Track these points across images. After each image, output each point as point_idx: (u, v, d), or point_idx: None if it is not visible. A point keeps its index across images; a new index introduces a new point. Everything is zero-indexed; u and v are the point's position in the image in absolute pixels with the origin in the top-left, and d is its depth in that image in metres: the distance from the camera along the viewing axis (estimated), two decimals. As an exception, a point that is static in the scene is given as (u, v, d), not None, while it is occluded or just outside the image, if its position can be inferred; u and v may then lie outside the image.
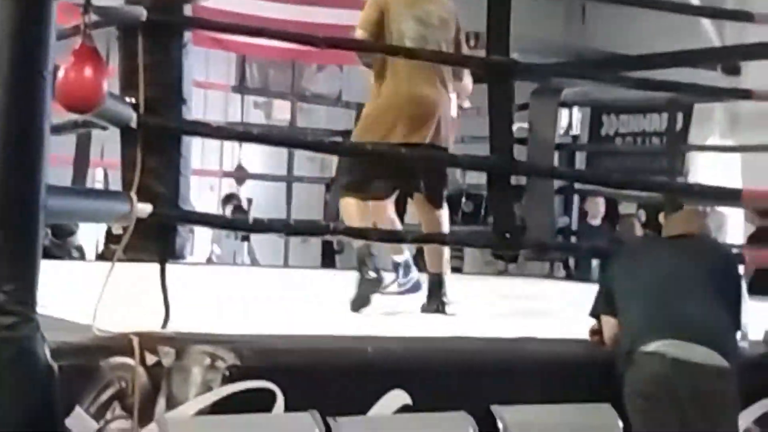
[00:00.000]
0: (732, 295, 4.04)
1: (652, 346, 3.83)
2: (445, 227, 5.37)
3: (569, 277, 10.06)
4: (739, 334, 4.25)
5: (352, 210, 5.22)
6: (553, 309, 5.86)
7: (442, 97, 5.26)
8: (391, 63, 5.21)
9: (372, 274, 5.19)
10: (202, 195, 11.55)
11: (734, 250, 5.97)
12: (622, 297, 4.04)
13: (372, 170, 5.21)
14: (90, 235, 10.50)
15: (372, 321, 4.92)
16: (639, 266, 4.09)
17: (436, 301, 5.28)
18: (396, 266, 5.75)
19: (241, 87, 11.85)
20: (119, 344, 3.40)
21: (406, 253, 5.79)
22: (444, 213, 5.39)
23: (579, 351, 4.27)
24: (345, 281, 5.60)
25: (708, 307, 3.93)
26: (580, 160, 11.30)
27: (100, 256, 9.56)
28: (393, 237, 5.21)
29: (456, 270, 10.59)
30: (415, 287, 5.72)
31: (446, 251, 5.40)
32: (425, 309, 5.30)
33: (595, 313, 4.20)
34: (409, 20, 5.17)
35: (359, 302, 5.17)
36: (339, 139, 9.56)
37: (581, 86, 9.19)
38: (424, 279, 5.59)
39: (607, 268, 4.32)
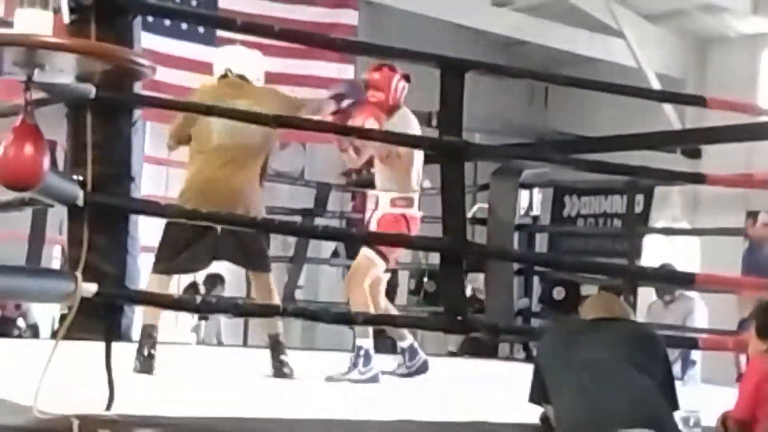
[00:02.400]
0: (664, 376, 3.95)
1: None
2: (274, 291, 5.53)
3: (529, 358, 9.97)
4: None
5: (153, 286, 5.20)
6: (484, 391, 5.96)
7: (240, 176, 5.37)
8: (194, 149, 5.43)
9: (151, 352, 5.16)
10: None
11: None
12: (554, 383, 3.93)
13: (179, 245, 5.27)
14: (47, 312, 10.41)
15: (316, 401, 4.84)
16: (567, 351, 3.96)
17: (277, 362, 5.44)
18: (402, 351, 6.06)
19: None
20: (59, 427, 3.32)
21: (409, 338, 6.08)
22: (271, 276, 5.55)
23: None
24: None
25: (642, 389, 3.84)
26: (540, 241, 11.33)
27: (54, 335, 9.43)
28: (345, 319, 5.18)
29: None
30: (423, 368, 6.05)
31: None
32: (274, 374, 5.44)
33: (533, 400, 4.08)
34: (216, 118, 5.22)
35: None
36: (297, 218, 9.55)
37: (542, 167, 9.21)
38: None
39: (537, 354, 4.22)
